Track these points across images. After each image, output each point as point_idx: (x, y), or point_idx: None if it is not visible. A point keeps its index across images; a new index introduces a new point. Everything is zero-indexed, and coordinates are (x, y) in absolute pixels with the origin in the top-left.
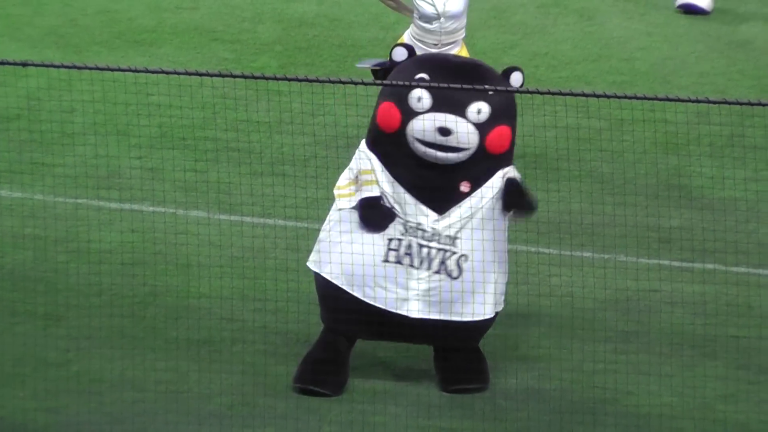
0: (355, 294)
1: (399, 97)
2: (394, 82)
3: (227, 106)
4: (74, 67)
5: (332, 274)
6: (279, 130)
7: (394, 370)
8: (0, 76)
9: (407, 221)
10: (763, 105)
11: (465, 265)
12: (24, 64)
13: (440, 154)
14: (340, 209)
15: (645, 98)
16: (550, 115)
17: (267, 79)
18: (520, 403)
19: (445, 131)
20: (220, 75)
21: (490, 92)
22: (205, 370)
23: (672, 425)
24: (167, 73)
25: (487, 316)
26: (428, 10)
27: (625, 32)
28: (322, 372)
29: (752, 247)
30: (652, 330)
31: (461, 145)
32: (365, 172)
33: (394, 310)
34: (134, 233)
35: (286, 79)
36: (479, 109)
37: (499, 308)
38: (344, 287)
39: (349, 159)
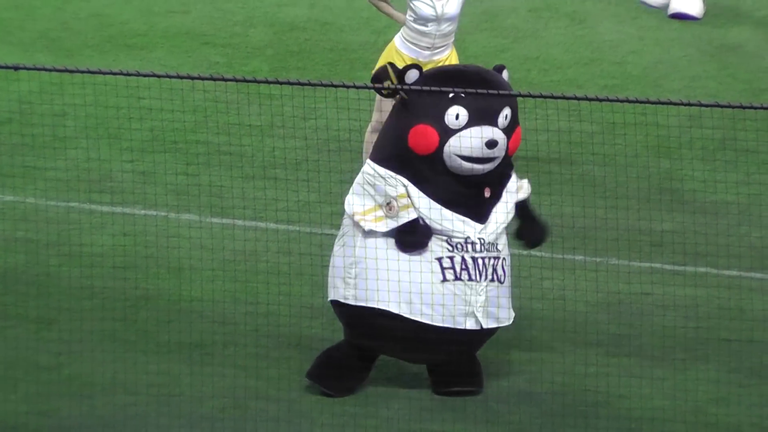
0: (417, 318)
1: (434, 118)
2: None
3: (219, 110)
4: (66, 70)
5: (386, 302)
6: (270, 134)
7: (386, 374)
8: None
9: (452, 237)
10: (755, 108)
11: (507, 268)
12: (15, 68)
13: (481, 166)
14: (368, 235)
15: (637, 102)
16: (542, 118)
17: (258, 82)
18: (512, 407)
19: (492, 144)
20: (212, 79)
21: (468, 93)
22: (197, 373)
23: (664, 428)
24: (159, 76)
25: (513, 317)
26: (426, 11)
27: (616, 36)
28: (338, 377)
29: (744, 250)
30: (644, 333)
31: (500, 153)
32: (401, 197)
33: (459, 327)
34: (126, 237)
35: (277, 82)
36: (506, 115)
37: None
38: (404, 314)
39: (341, 162)
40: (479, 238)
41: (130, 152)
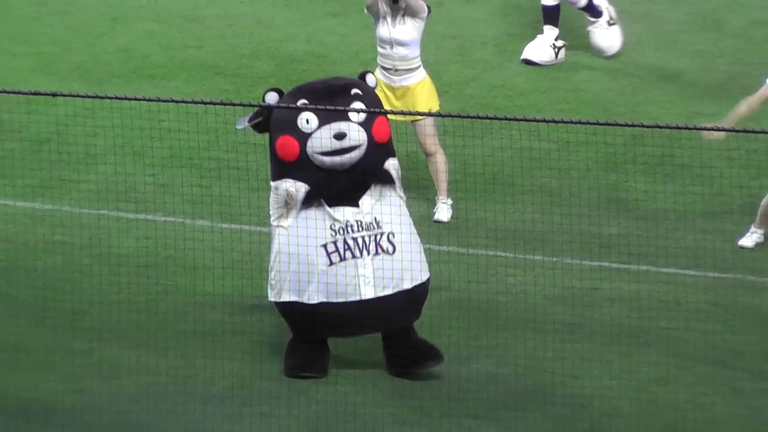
0: (315, 301)
1: (291, 128)
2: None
3: (228, 131)
4: (97, 97)
5: (290, 294)
6: None
7: (372, 359)
8: (33, 105)
9: (333, 224)
10: (690, 129)
11: (395, 240)
12: (54, 95)
13: (341, 158)
14: (273, 241)
15: (588, 123)
16: (506, 138)
17: (262, 107)
18: (480, 385)
19: (340, 135)
20: (222, 104)
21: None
22: (209, 357)
23: (611, 404)
24: (176, 102)
25: (424, 279)
26: (383, 33)
27: (570, 67)
28: (307, 359)
29: (680, 251)
30: (594, 323)
31: (355, 143)
32: (290, 194)
33: (352, 299)
34: (148, 240)
35: (279, 107)
36: (359, 106)
37: (427, 274)
38: (303, 301)
39: None
40: (356, 221)
41: (152, 167)
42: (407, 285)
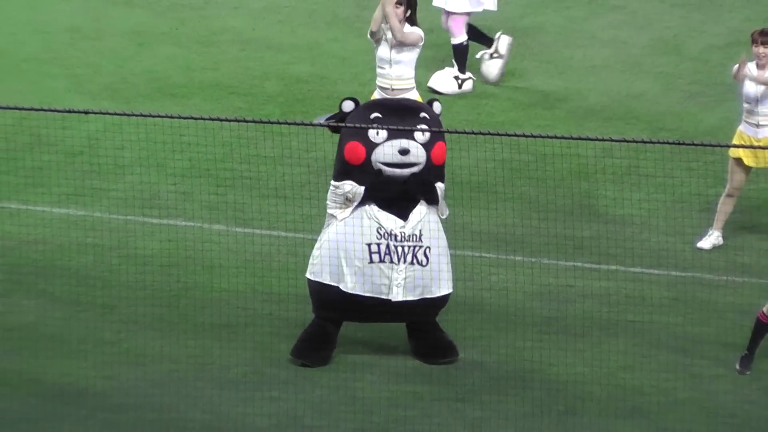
0: (348, 289)
1: (360, 135)
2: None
3: (241, 144)
4: (124, 114)
5: (327, 276)
6: (281, 163)
7: (371, 347)
8: (68, 122)
9: (380, 227)
10: (653, 143)
11: (430, 255)
12: (86, 112)
13: (401, 171)
14: (327, 228)
15: (563, 138)
16: (489, 150)
17: (272, 123)
18: (467, 372)
19: (404, 151)
20: (236, 120)
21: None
22: (225, 347)
23: (584, 389)
24: (195, 118)
25: (448, 291)
26: (383, 54)
27: (546, 87)
28: (313, 348)
29: (645, 252)
30: (569, 316)
31: (416, 161)
32: (349, 193)
33: (383, 296)
34: (170, 242)
35: (286, 123)
36: (423, 132)
37: (450, 289)
38: (339, 286)
39: None
40: (400, 231)
41: (174, 177)
42: (431, 294)
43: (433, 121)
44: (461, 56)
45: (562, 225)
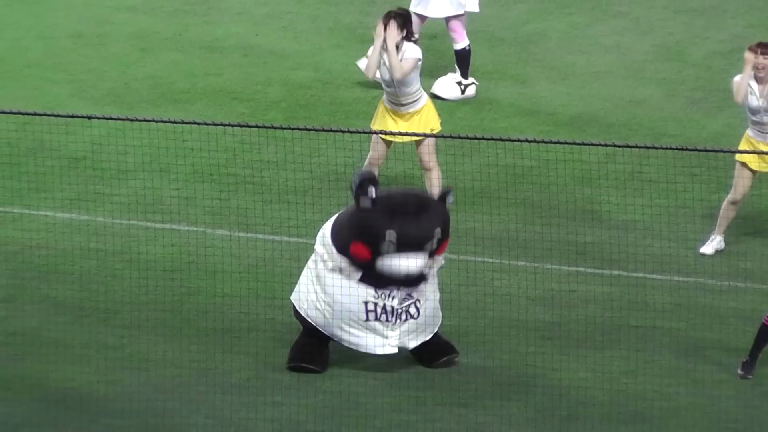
0: (346, 345)
1: (371, 239)
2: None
3: (244, 149)
4: (127, 119)
5: (324, 323)
6: (284, 168)
7: (372, 354)
8: (71, 127)
9: (377, 289)
10: (656, 148)
11: (420, 307)
12: (89, 117)
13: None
14: (334, 280)
15: (565, 143)
16: (493, 156)
17: (275, 128)
18: (469, 377)
19: (408, 280)
20: (239, 125)
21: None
22: (227, 352)
23: (587, 394)
24: (198, 124)
25: (437, 325)
26: (385, 76)
27: (549, 93)
28: (309, 353)
29: (648, 257)
30: (571, 321)
31: (420, 273)
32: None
33: (377, 353)
34: (173, 247)
35: (289, 128)
36: (437, 239)
37: (440, 320)
38: (333, 338)
39: (339, 191)
40: (398, 295)
41: (177, 182)
42: (423, 339)
43: (445, 217)
44: (464, 61)
45: (564, 230)
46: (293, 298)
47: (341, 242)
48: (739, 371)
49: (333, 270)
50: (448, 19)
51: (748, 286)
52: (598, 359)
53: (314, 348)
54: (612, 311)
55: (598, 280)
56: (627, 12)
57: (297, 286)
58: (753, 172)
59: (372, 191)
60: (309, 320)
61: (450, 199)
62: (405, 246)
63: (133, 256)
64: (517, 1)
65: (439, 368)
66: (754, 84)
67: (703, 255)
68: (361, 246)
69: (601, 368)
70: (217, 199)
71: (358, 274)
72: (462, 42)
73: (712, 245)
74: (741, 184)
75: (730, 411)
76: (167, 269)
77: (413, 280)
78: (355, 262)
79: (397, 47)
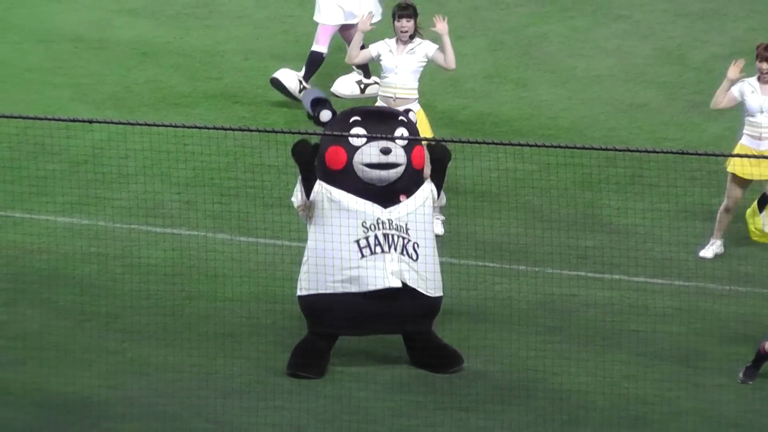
0: (348, 290)
1: (341, 139)
2: (381, 136)
3: (245, 153)
4: (128, 123)
5: (317, 286)
6: (285, 172)
7: (373, 358)
8: (72, 131)
9: (366, 219)
10: (657, 152)
11: (419, 251)
12: (90, 121)
13: (383, 172)
14: (311, 236)
15: (566, 147)
16: (493, 160)
17: (276, 132)
18: (470, 381)
19: (386, 150)
20: (240, 129)
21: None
22: (228, 356)
23: (587, 398)
24: (199, 128)
25: (440, 294)
26: (388, 63)
27: (551, 97)
28: (308, 360)
29: (648, 261)
30: (572, 325)
31: (397, 161)
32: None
33: (381, 287)
34: (174, 251)
35: (290, 132)
36: (402, 133)
37: (441, 292)
38: (335, 291)
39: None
40: (388, 219)
41: (178, 186)
42: (428, 292)
43: (411, 125)
44: (314, 65)
45: (565, 234)
46: (297, 293)
47: (319, 169)
48: (741, 376)
49: (317, 224)
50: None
51: (748, 290)
52: (599, 363)
53: (315, 353)
54: (613, 315)
55: (599, 284)
56: (628, 15)
57: (300, 276)
58: (746, 181)
59: (329, 113)
60: (313, 293)
61: (411, 115)
62: (373, 132)
63: (134, 261)
64: (518, 5)
65: (414, 375)
66: (756, 83)
67: (703, 259)
68: (332, 148)
69: (602, 372)
70: (218, 203)
71: (337, 202)
72: (321, 46)
73: (711, 249)
74: (732, 194)
75: (730, 416)
76: (168, 273)
77: (392, 165)
78: (335, 172)
79: (411, 38)
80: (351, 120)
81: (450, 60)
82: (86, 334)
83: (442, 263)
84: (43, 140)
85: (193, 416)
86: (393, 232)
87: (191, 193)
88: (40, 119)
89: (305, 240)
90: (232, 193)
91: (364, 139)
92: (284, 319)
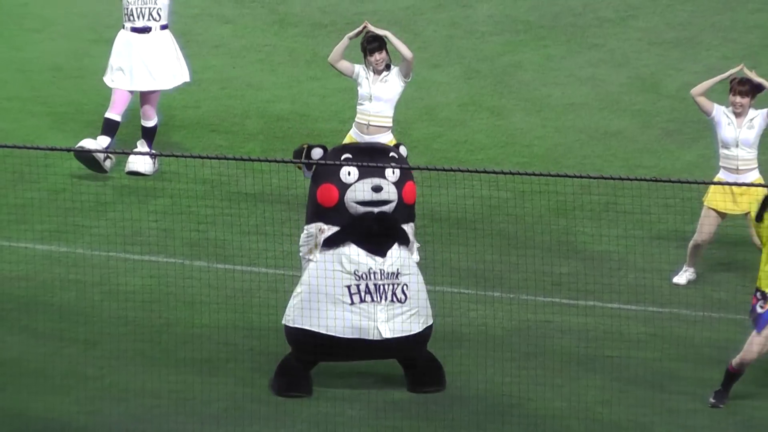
0: (336, 334)
1: (332, 177)
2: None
3: (222, 182)
4: (106, 152)
5: (311, 322)
6: (262, 200)
7: (348, 382)
8: (50, 159)
9: (358, 269)
10: (631, 180)
11: (408, 292)
12: (68, 150)
13: (375, 208)
14: (306, 273)
15: (541, 175)
16: (468, 188)
17: (252, 161)
18: (446, 407)
19: (377, 188)
20: (217, 158)
21: (418, 170)
22: (206, 382)
23: (562, 423)
24: (177, 156)
25: (429, 324)
26: (364, 91)
27: (525, 125)
28: (295, 380)
29: (623, 288)
30: (547, 351)
31: (388, 198)
32: (320, 231)
33: (368, 338)
34: (152, 278)
35: (267, 160)
36: (393, 171)
37: (431, 320)
38: (322, 331)
39: None
40: (380, 269)
41: (155, 214)
42: (416, 329)
43: (402, 161)
44: (152, 135)
45: (540, 261)
46: (283, 321)
47: (311, 210)
48: (711, 399)
49: (312, 262)
50: (149, 93)
51: (722, 317)
52: (574, 389)
53: (299, 373)
54: (587, 341)
55: (574, 310)
56: (602, 44)
57: (289, 305)
58: (721, 215)
59: (320, 150)
60: (299, 327)
61: (403, 149)
62: (365, 172)
63: (113, 288)
64: (493, 33)
65: (420, 394)
66: (731, 115)
67: (677, 285)
68: (324, 186)
69: (577, 398)
70: (195, 231)
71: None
72: (155, 119)
73: (684, 275)
74: (705, 229)
75: None
76: (146, 300)
77: (384, 201)
78: (326, 210)
79: (387, 69)
80: (342, 157)
81: (404, 51)
82: (65, 361)
83: None
84: (22, 168)
85: None
86: (384, 281)
87: (168, 221)
88: (19, 147)
89: (281, 267)
90: (209, 220)
91: (355, 177)
92: (261, 345)
